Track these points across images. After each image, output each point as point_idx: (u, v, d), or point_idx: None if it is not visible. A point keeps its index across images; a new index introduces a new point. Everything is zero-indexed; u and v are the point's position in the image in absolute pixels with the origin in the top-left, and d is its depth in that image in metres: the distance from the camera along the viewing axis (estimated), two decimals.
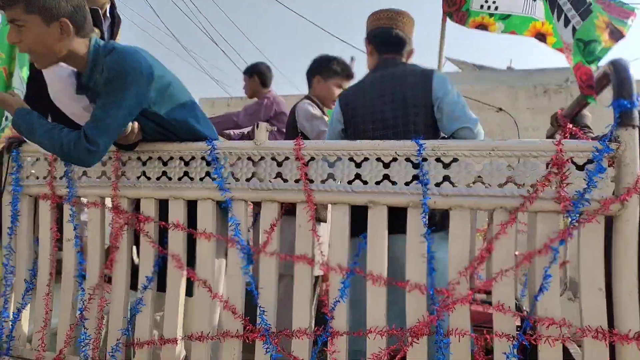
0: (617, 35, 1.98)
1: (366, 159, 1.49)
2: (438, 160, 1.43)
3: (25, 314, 1.87)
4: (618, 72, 1.28)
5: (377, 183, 1.47)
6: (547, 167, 1.34)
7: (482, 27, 2.67)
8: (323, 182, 1.52)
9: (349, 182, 1.50)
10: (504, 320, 1.36)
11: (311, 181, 1.53)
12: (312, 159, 1.54)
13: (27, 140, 1.73)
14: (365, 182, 1.49)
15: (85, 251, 1.84)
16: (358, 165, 1.50)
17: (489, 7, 2.63)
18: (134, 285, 1.74)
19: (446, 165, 1.42)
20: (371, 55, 2.03)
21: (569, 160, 1.32)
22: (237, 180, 1.61)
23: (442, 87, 1.80)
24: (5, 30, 1.89)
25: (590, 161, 1.31)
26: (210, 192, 1.63)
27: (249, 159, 1.60)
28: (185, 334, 1.66)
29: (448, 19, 2.79)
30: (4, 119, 1.86)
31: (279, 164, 1.57)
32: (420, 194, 1.42)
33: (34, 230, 1.90)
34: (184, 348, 1.71)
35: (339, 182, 1.51)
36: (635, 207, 1.28)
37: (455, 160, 1.42)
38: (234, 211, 1.60)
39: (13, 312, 1.85)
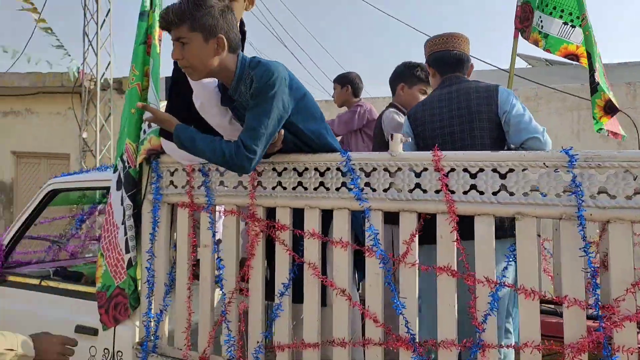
0: (613, 111, 2.56)
1: (511, 170, 1.45)
2: (592, 171, 1.36)
3: (166, 315, 1.98)
4: None
5: (525, 194, 1.43)
6: None
7: (535, 42, 3.06)
8: (465, 193, 1.49)
9: (494, 194, 1.46)
10: None
11: (452, 192, 1.51)
12: (452, 170, 1.51)
13: (169, 152, 1.83)
14: (511, 194, 1.44)
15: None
16: (502, 176, 1.46)
17: (539, 25, 3.01)
18: (267, 296, 1.80)
19: (606, 177, 1.35)
20: (434, 77, 2.19)
21: None
22: (374, 190, 1.61)
23: (508, 102, 1.92)
24: (140, 49, 1.99)
25: None
26: (346, 202, 1.65)
27: (386, 169, 1.60)
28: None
29: (520, 35, 3.06)
30: (142, 132, 1.96)
31: (417, 175, 1.56)
32: (574, 206, 1.37)
33: (171, 237, 2.01)
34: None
35: (482, 194, 1.47)
36: None
37: (610, 171, 1.34)
38: (371, 221, 1.61)
39: (156, 313, 1.97)
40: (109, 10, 7.05)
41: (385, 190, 1.60)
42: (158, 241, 1.97)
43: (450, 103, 2.00)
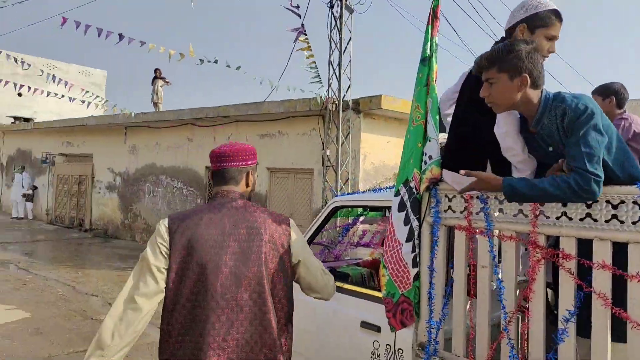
0: None
1: None
2: None
3: (444, 324, 2.20)
4: None
5: None
6: None
7: None
8: None
9: None
10: None
11: None
12: None
13: (448, 181, 2.04)
14: None
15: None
16: None
17: None
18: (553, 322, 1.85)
19: None
20: None
21: None
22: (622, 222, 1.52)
23: None
24: (423, 90, 2.25)
25: None
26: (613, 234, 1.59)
27: (635, 202, 1.49)
28: None
29: None
30: (423, 163, 2.23)
31: None
32: None
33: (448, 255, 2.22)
34: None
35: None
36: None
37: None
38: None
39: (436, 321, 2.21)
40: (350, 39, 7.87)
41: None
42: (437, 259, 2.21)
43: None
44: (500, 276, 2.00)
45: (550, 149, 1.84)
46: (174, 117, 10.75)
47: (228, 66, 8.37)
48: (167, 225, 1.78)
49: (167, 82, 14.13)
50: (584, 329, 1.75)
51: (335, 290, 2.15)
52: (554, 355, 1.84)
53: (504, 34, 2.21)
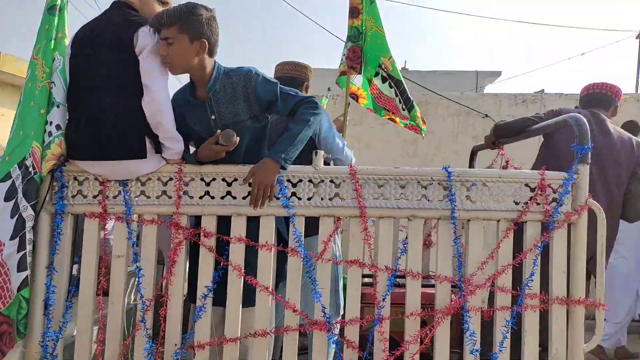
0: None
1: (409, 182, 1.80)
2: (462, 184, 1.80)
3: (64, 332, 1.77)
4: (580, 126, 1.80)
5: (417, 201, 1.80)
6: (534, 190, 1.81)
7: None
8: (375, 200, 1.79)
9: (396, 200, 1.79)
10: (504, 297, 1.81)
11: (364, 199, 1.79)
12: (365, 181, 1.79)
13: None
14: (408, 200, 1.80)
15: (109, 266, 1.81)
16: (402, 187, 1.80)
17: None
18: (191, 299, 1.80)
19: (468, 188, 1.80)
20: None
21: (549, 186, 1.81)
22: (299, 199, 1.78)
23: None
24: (50, 45, 1.73)
25: (560, 186, 1.81)
26: (273, 210, 1.78)
27: (310, 181, 1.79)
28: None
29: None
30: (47, 134, 1.71)
31: (337, 186, 1.79)
32: (449, 210, 1.79)
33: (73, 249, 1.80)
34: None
35: (387, 200, 1.79)
36: (585, 218, 1.82)
37: (473, 184, 1.81)
38: (296, 225, 1.78)
39: (55, 331, 1.74)
40: None
41: (309, 199, 1.79)
42: (59, 255, 1.75)
43: None
44: (139, 264, 1.78)
45: (213, 117, 1.78)
46: None
47: None
48: None
49: None
50: (217, 299, 1.79)
51: None
52: (191, 335, 1.80)
53: None
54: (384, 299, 1.79)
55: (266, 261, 1.79)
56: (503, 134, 2.40)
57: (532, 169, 2.14)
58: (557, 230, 1.81)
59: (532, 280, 1.81)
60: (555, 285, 1.82)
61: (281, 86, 1.83)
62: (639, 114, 5.66)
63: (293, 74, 2.36)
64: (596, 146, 1.95)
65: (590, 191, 1.84)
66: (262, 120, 1.86)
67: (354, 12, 2.98)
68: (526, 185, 1.82)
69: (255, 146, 1.86)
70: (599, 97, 2.47)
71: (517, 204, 1.82)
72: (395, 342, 1.81)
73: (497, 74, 17.65)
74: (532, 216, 1.81)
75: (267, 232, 1.78)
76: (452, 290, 1.86)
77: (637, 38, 8.61)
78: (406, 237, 1.83)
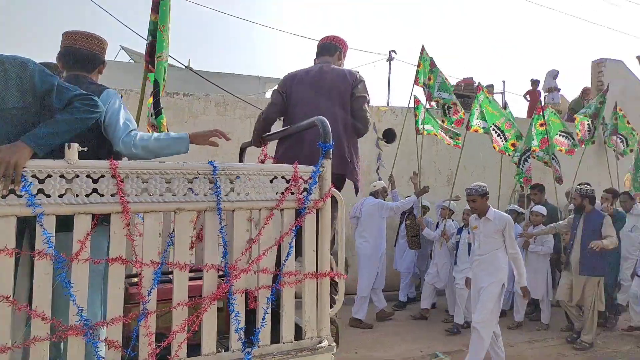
0: None
1: (174, 177, 1.80)
2: (227, 177, 1.90)
3: None
4: (324, 127, 2.10)
5: (184, 194, 1.82)
6: (289, 182, 2.04)
7: None
8: (138, 195, 1.73)
9: (161, 195, 1.77)
10: (265, 278, 2.00)
11: (127, 195, 1.71)
12: (127, 176, 1.71)
13: None
14: (174, 194, 1.80)
15: None
16: (168, 181, 1.79)
17: None
18: None
19: (232, 181, 1.91)
20: None
21: (301, 177, 2.06)
22: (48, 196, 1.59)
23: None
24: None
25: (310, 177, 2.09)
26: (15, 209, 1.54)
27: (62, 176, 1.61)
28: None
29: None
30: None
31: (95, 181, 1.66)
32: (215, 202, 1.87)
33: None
34: None
35: (152, 195, 1.75)
36: (329, 204, 2.15)
37: (237, 177, 1.93)
38: (45, 226, 1.58)
39: None
40: None
41: (60, 196, 1.61)
42: None
43: None
44: None
45: None
46: None
47: None
48: None
49: None
50: None
51: None
52: None
53: None
54: (149, 294, 1.75)
55: (3, 267, 1.53)
56: (256, 134, 2.84)
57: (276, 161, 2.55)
58: (307, 215, 2.09)
59: (287, 260, 2.04)
60: (307, 262, 2.10)
61: (60, 81, 1.75)
62: (394, 122, 6.99)
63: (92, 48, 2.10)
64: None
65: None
66: (35, 116, 1.72)
67: (155, 8, 2.88)
68: (282, 177, 2.04)
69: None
70: (327, 46, 3.00)
71: (276, 194, 2.02)
72: (166, 338, 1.79)
73: (277, 80, 18.93)
74: (287, 204, 2.04)
75: (6, 235, 1.53)
76: (223, 280, 1.94)
77: (387, 61, 10.37)
78: (173, 230, 1.83)
